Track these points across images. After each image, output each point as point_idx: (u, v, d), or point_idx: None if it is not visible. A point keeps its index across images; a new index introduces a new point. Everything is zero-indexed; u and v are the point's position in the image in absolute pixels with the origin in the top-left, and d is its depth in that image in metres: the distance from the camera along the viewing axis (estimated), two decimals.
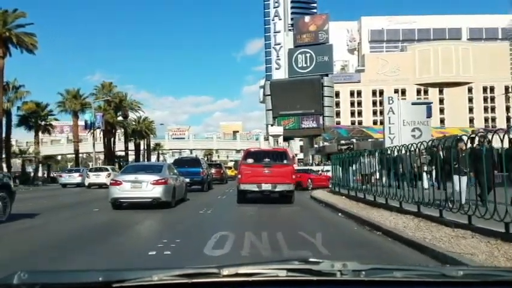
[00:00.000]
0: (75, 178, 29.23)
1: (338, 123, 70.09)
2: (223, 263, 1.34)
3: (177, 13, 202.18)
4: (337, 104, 79.09)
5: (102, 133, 47.92)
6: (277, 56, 65.24)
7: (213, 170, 27.66)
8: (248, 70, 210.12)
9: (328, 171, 36.21)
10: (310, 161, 55.01)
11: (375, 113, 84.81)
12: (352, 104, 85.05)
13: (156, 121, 72.12)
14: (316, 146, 59.30)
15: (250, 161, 13.87)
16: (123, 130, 55.37)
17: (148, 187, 11.80)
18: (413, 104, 25.90)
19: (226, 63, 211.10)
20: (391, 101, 25.21)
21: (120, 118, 51.48)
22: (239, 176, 13.90)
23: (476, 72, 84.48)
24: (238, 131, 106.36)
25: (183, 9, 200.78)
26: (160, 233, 8.20)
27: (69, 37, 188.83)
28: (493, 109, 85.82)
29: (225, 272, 1.27)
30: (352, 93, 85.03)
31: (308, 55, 64.38)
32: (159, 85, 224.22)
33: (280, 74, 64.51)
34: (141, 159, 63.22)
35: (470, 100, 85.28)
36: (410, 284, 1.28)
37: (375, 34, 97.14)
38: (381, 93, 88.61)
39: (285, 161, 14.05)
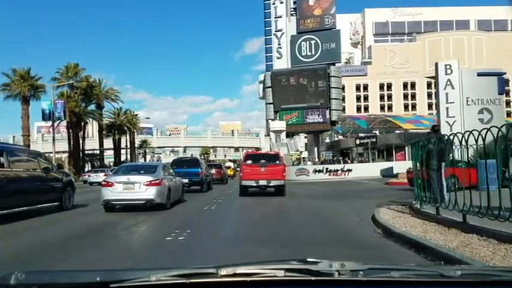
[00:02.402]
0: (101, 177, 31.14)
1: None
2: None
3: (174, 13, 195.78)
4: (342, 99, 71.31)
5: (66, 126, 39.07)
6: (279, 44, 57.72)
7: (213, 171, 28.27)
8: (247, 69, 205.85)
9: (349, 170, 28.48)
10: (316, 159, 47.18)
11: (382, 108, 77.42)
12: (358, 98, 79.25)
13: (155, 122, 63.84)
14: (327, 140, 51.30)
15: (249, 162, 16.88)
16: (97, 124, 45.22)
17: (141, 188, 11.46)
18: (479, 74, 17.88)
19: (225, 62, 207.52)
20: (449, 71, 17.06)
21: (93, 108, 42.41)
22: (241, 174, 16.95)
23: (489, 64, 77.22)
24: (238, 131, 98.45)
25: (180, 9, 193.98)
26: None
27: (65, 36, 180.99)
28: (508, 103, 78.38)
29: (223, 272, 1.27)
30: (358, 87, 79.14)
31: (313, 42, 56.75)
32: (158, 85, 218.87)
33: (282, 63, 57.02)
34: (123, 159, 53.74)
35: None
36: (408, 284, 1.28)
37: (379, 27, 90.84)
38: (389, 86, 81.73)
39: (277, 162, 16.81)
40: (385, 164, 30.66)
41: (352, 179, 28.35)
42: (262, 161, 16.80)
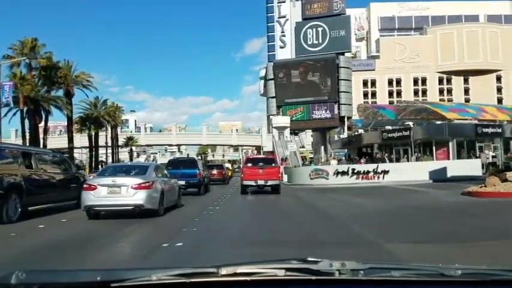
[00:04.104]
0: None
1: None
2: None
3: (174, 13, 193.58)
4: None
5: (20, 116, 30.79)
6: (282, 32, 51.32)
7: (214, 171, 29.14)
8: (248, 70, 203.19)
9: (386, 172, 21.47)
10: (323, 159, 40.51)
11: (391, 104, 70.65)
12: (365, 95, 74.69)
13: (156, 123, 56.23)
14: (341, 136, 44.55)
15: (249, 165, 19.28)
16: (67, 115, 35.51)
17: (128, 192, 10.13)
18: None
19: (225, 63, 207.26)
20: None
21: (60, 95, 34.50)
22: (242, 175, 19.15)
23: (505, 59, 71.57)
24: (237, 130, 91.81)
25: (180, 9, 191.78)
26: None
27: (65, 37, 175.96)
28: None
29: (224, 271, 1.27)
30: (365, 83, 74.54)
31: (320, 29, 50.20)
32: (158, 86, 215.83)
33: (285, 53, 50.66)
34: (102, 159, 45.96)
35: (499, 90, 72.76)
36: (408, 283, 1.28)
37: (385, 22, 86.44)
38: (398, 82, 75.90)
39: (273, 165, 19.50)
40: (434, 164, 23.52)
41: (391, 184, 21.52)
42: (261, 164, 19.12)
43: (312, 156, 44.88)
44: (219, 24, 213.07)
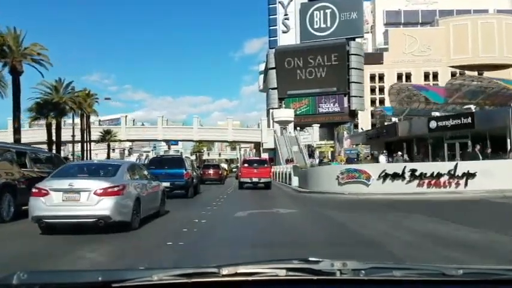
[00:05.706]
0: None
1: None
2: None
3: (174, 13, 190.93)
4: None
5: None
6: (285, 14, 45.03)
7: (211, 171, 30.56)
8: (247, 70, 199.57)
9: (470, 175, 13.79)
10: (330, 156, 34.22)
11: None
12: (372, 90, 70.13)
13: (154, 122, 48.15)
14: (362, 129, 38.08)
15: (246, 165, 22.98)
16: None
17: (90, 199, 7.86)
18: None
19: (224, 63, 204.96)
20: None
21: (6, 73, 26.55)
22: (239, 174, 23.99)
23: None
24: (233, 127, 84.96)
25: (180, 9, 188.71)
26: None
27: (64, 36, 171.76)
28: None
29: (225, 271, 1.27)
30: (372, 78, 71.01)
31: (328, 11, 43.73)
32: (157, 85, 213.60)
33: (289, 38, 44.23)
34: (65, 155, 38.22)
35: None
36: (410, 283, 1.28)
37: (390, 16, 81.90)
38: (408, 77, 68.71)
39: (265, 165, 22.87)
40: None
41: (489, 196, 13.15)
42: (255, 164, 22.73)
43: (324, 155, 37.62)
44: (219, 24, 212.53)
